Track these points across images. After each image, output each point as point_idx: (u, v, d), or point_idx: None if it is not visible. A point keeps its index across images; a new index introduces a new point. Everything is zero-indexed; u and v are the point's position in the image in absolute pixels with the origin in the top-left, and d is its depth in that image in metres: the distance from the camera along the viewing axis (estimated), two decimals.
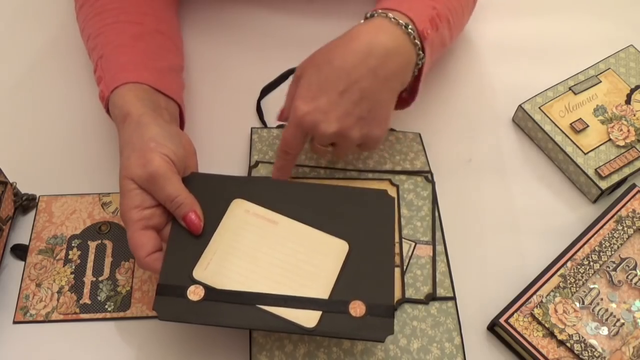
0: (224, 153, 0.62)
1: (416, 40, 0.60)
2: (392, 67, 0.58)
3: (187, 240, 0.53)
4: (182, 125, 0.65)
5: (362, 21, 0.61)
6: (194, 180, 0.55)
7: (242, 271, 0.52)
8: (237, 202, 0.56)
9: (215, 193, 0.56)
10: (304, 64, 0.60)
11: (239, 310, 0.50)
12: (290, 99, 0.61)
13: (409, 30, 0.59)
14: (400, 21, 0.59)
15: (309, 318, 0.50)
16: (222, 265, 0.52)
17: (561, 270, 0.60)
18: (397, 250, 0.61)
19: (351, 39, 0.58)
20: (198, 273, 0.52)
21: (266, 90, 0.75)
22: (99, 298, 0.59)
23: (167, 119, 0.59)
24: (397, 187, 0.65)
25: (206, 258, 0.53)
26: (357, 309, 0.51)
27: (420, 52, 0.61)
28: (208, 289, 0.51)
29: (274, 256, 0.53)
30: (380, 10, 0.60)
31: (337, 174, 0.66)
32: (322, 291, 0.51)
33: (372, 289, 0.52)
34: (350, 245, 0.54)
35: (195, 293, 0.51)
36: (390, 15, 0.59)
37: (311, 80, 0.57)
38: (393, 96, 0.60)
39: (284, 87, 0.75)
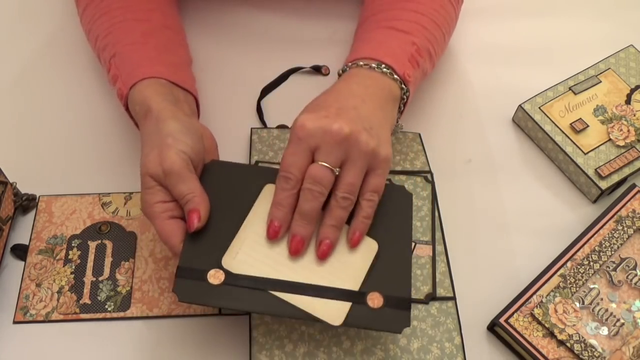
0: (223, 153, 0.62)
1: (395, 76, 0.59)
2: (379, 98, 0.57)
3: (210, 225, 0.53)
4: (197, 116, 0.65)
5: (339, 77, 0.61)
6: (218, 168, 0.55)
7: (269, 260, 0.52)
8: (270, 187, 0.55)
9: (243, 181, 0.55)
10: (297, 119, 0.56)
11: (257, 296, 0.50)
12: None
13: (388, 73, 0.59)
14: (384, 69, 0.59)
15: (331, 315, 0.50)
16: (250, 254, 0.52)
17: (561, 270, 0.60)
18: None
19: (333, 88, 0.58)
20: (227, 262, 0.52)
21: (266, 90, 0.75)
22: (99, 298, 0.59)
23: (187, 112, 0.59)
24: None
25: (235, 246, 0.53)
26: (374, 300, 0.51)
27: (404, 87, 0.60)
28: (228, 273, 0.51)
29: None
30: (362, 62, 0.59)
31: None
32: (350, 286, 0.52)
33: (390, 281, 0.52)
34: (378, 243, 0.54)
35: (215, 277, 0.51)
36: (373, 65, 0.59)
37: (306, 111, 0.54)
38: (387, 121, 0.58)
39: (284, 87, 0.75)
